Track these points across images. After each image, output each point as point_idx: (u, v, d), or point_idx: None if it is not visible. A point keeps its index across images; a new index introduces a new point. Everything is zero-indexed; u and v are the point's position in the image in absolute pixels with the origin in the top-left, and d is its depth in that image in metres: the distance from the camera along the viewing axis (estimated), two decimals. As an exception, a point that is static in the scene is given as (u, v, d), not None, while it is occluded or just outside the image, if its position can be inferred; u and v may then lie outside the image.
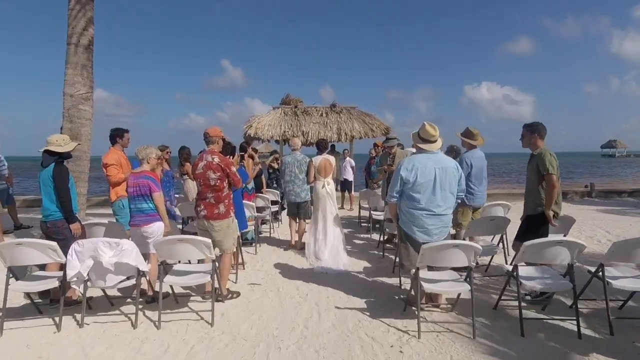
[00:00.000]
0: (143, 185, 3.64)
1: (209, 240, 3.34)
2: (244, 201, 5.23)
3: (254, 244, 5.91)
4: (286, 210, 6.03)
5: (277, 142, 12.15)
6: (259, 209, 6.58)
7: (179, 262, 3.94)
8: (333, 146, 10.79)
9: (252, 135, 10.85)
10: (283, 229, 7.50)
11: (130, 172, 3.96)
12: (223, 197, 3.62)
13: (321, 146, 5.50)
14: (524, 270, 3.35)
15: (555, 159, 3.57)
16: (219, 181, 3.56)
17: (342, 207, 9.92)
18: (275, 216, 7.81)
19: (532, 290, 3.57)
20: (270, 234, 7.04)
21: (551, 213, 3.57)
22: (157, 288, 3.59)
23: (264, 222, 7.24)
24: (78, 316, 3.43)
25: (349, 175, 10.15)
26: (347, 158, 10.43)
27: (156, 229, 3.70)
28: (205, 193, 3.63)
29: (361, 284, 4.51)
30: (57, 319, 3.33)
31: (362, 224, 7.80)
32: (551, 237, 3.47)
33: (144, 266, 3.30)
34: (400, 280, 4.39)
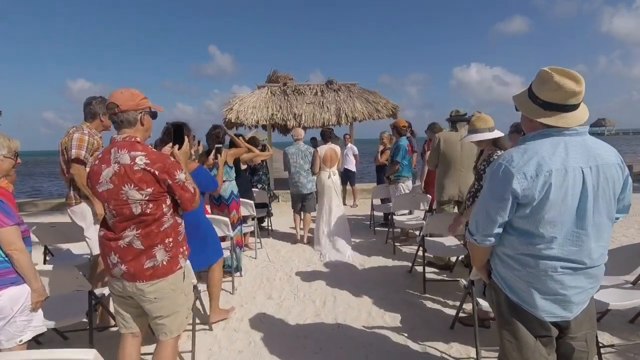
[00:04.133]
0: None
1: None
2: (211, 216, 3.46)
3: (238, 273, 4.39)
4: (291, 203, 5.86)
5: (264, 127, 10.18)
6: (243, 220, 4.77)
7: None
8: (331, 130, 8.88)
9: (232, 121, 8.85)
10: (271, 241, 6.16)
11: None
12: (161, 234, 1.81)
13: (326, 135, 5.49)
14: None
15: None
16: (151, 205, 1.76)
17: (344, 204, 8.10)
18: (260, 224, 6.02)
19: None
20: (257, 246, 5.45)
21: None
22: None
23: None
24: None
25: (351, 165, 8.55)
26: (349, 144, 8.76)
27: (9, 300, 1.84)
28: (121, 229, 1.79)
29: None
30: None
31: (377, 229, 6.37)
32: None
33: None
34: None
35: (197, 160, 3.36)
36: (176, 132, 2.06)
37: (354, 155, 8.67)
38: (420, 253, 4.04)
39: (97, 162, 1.81)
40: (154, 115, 1.90)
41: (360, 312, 3.35)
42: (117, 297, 1.91)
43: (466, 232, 1.76)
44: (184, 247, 1.93)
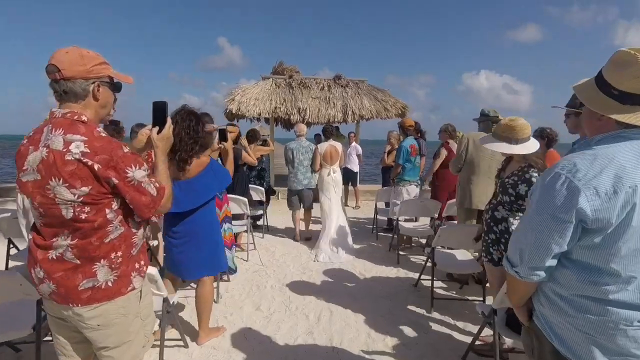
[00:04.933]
0: None
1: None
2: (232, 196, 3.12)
3: (226, 276, 4.00)
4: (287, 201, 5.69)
5: (266, 120, 9.79)
6: (235, 217, 4.37)
7: None
8: (337, 128, 8.47)
9: (233, 112, 8.44)
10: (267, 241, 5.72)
11: None
12: (105, 247, 1.38)
13: (327, 132, 5.37)
14: None
15: None
16: (87, 209, 1.32)
17: (346, 205, 7.73)
18: (255, 223, 5.83)
19: None
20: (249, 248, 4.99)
21: None
22: None
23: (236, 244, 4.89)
24: None
25: (354, 165, 8.17)
26: (353, 143, 8.38)
27: None
28: (51, 235, 1.36)
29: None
30: None
31: (379, 234, 5.95)
32: None
33: None
34: None
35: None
36: (157, 112, 1.59)
37: (358, 155, 8.26)
38: (428, 266, 3.63)
39: (25, 141, 1.37)
40: (115, 87, 1.45)
41: (359, 332, 2.95)
42: (52, 317, 1.50)
43: (505, 262, 1.34)
44: (141, 262, 1.51)
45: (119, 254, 1.40)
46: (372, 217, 6.23)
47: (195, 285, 2.82)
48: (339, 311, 3.29)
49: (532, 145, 2.39)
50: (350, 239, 5.02)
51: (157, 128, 1.59)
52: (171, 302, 2.45)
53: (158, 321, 2.26)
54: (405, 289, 3.81)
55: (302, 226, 5.63)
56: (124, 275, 1.41)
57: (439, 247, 3.64)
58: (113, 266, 1.38)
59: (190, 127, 2.47)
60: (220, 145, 3.07)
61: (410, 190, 4.98)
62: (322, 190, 5.15)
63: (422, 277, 3.78)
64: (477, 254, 3.73)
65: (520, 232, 1.28)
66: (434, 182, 5.19)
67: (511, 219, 2.42)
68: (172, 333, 2.76)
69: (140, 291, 1.50)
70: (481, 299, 3.30)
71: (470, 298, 3.52)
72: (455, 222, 5.05)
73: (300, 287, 3.80)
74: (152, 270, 2.09)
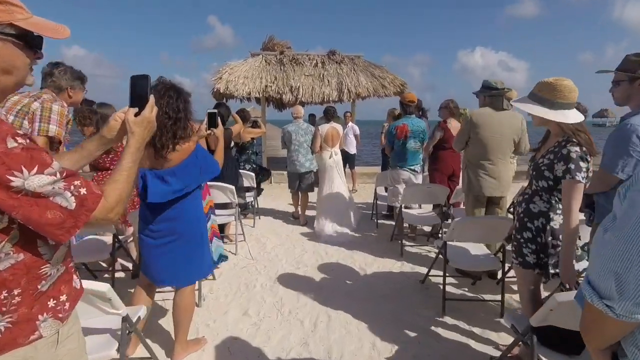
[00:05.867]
0: None
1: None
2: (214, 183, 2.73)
3: (211, 276, 3.55)
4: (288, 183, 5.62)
5: (257, 100, 9.21)
6: (222, 206, 3.97)
7: None
8: (334, 109, 7.91)
9: (221, 92, 7.85)
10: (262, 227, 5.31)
11: None
12: None
13: (329, 114, 5.40)
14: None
15: None
16: None
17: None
18: (245, 208, 5.38)
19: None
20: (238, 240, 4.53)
21: None
22: None
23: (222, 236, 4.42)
24: None
25: (351, 147, 7.73)
26: (350, 123, 7.90)
27: None
28: None
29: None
30: None
31: (379, 221, 5.45)
32: None
33: None
34: None
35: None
36: (135, 88, 1.18)
37: (355, 136, 7.77)
38: (437, 266, 3.23)
39: None
40: (28, 42, 0.95)
41: (362, 343, 2.54)
42: None
43: (587, 291, 0.89)
44: (60, 298, 1.03)
45: (15, 291, 0.92)
46: (370, 202, 5.86)
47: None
48: (338, 316, 2.88)
49: (573, 115, 1.92)
50: (353, 219, 5.00)
51: (135, 109, 1.16)
52: (140, 316, 2.00)
53: (117, 345, 1.82)
54: (411, 286, 3.41)
55: (300, 210, 5.51)
56: (24, 321, 0.94)
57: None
58: (3, 309, 0.92)
59: (171, 106, 1.97)
60: (209, 131, 2.55)
61: (406, 176, 4.53)
62: (323, 172, 5.12)
63: (431, 272, 3.37)
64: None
65: (615, 246, 0.83)
66: (430, 165, 4.75)
67: (552, 214, 1.97)
68: (140, 350, 2.33)
69: (58, 335, 1.04)
70: (498, 298, 2.91)
71: (486, 298, 3.12)
72: (462, 209, 4.65)
73: (293, 286, 3.38)
74: (102, 287, 1.64)
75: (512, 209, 3.52)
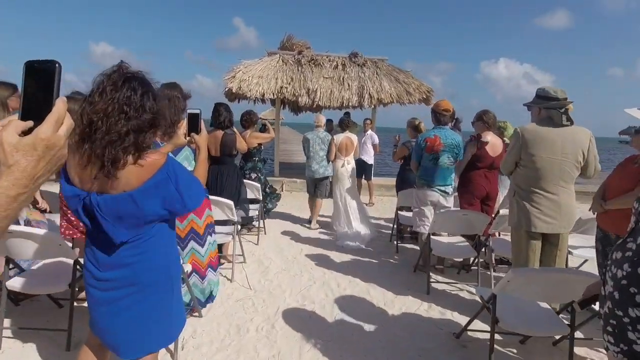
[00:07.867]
0: None
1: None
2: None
3: (197, 313, 2.93)
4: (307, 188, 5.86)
5: (272, 102, 8.66)
6: (222, 222, 3.44)
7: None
8: (348, 114, 7.29)
9: (233, 92, 7.32)
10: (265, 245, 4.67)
11: None
12: None
13: (343, 124, 5.53)
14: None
15: None
16: None
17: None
18: (249, 223, 4.84)
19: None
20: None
21: None
22: None
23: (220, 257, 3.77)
24: None
25: (368, 156, 7.12)
26: (369, 131, 7.19)
27: None
28: None
29: None
30: None
31: (400, 244, 4.79)
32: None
33: None
34: None
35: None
36: (33, 84, 0.63)
37: (373, 145, 7.11)
38: (480, 320, 2.53)
39: None
40: None
41: None
42: None
43: None
44: None
45: None
46: (388, 217, 5.32)
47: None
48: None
49: None
50: (363, 231, 4.97)
51: (26, 123, 0.57)
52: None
53: None
54: (443, 343, 2.68)
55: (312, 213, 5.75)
56: None
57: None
58: None
59: (127, 102, 1.33)
60: (189, 138, 1.91)
61: (435, 199, 3.83)
62: (336, 180, 5.32)
63: (470, 329, 2.67)
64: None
65: None
66: (460, 187, 4.02)
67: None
68: None
69: None
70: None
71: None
72: (502, 239, 3.94)
73: (296, 334, 2.71)
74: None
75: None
